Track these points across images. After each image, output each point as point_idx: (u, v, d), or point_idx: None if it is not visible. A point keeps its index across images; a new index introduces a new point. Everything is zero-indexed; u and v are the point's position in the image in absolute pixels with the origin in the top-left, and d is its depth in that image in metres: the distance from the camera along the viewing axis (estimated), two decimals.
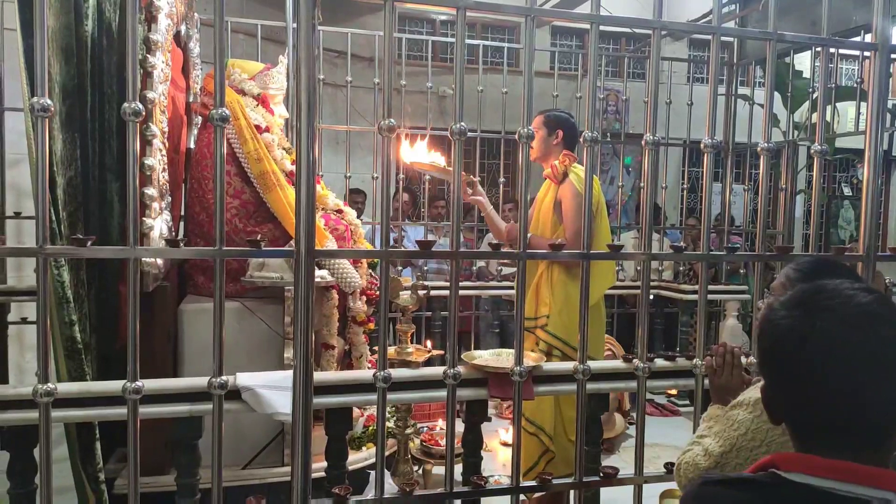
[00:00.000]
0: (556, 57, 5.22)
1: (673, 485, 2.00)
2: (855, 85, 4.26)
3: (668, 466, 2.02)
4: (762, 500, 0.88)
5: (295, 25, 1.58)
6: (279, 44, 4.17)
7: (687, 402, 4.80)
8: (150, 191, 2.21)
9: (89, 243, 1.57)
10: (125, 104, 1.51)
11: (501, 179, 4.71)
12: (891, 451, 0.92)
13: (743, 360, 1.74)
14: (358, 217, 3.08)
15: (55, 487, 1.60)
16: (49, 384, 1.56)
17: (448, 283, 1.79)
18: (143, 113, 1.55)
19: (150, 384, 1.72)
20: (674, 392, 4.97)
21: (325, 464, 2.04)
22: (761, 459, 0.95)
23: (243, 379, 1.90)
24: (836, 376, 0.87)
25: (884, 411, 0.88)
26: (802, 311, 0.91)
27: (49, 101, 1.48)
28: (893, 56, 2.08)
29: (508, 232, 3.13)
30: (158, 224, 2.28)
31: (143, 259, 2.13)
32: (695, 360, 2.01)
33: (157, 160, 2.25)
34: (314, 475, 1.63)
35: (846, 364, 0.87)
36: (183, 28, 2.82)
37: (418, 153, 2.74)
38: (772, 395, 0.97)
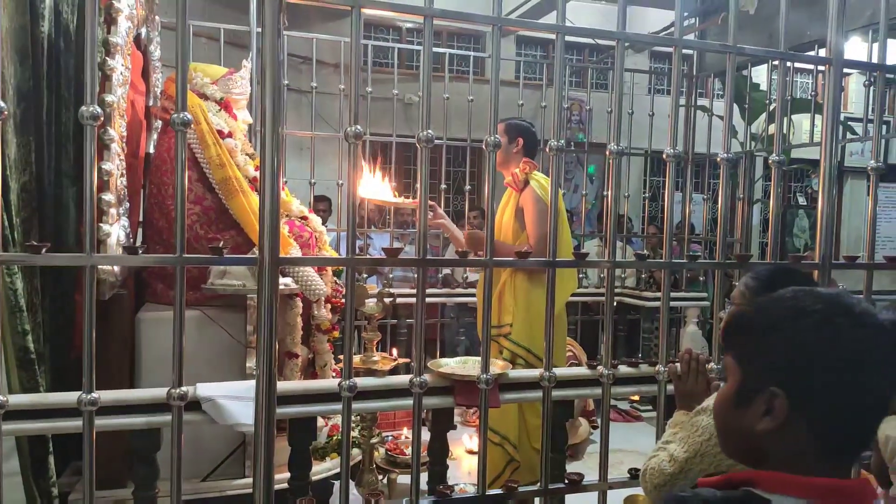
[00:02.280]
0: (521, 66, 5.28)
1: (637, 490, 2.02)
2: (809, 97, 4.39)
3: (632, 472, 2.04)
4: None
5: (259, 30, 1.56)
6: (242, 48, 4.11)
7: (649, 407, 4.86)
8: (108, 196, 2.15)
9: (44, 250, 1.52)
10: (83, 108, 1.47)
11: (467, 187, 4.72)
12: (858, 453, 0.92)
13: (710, 365, 1.77)
14: (322, 224, 3.05)
15: (6, 502, 1.54)
16: (0, 396, 1.50)
17: (414, 291, 1.78)
18: (101, 117, 1.51)
19: (107, 395, 1.68)
20: (636, 398, 5.04)
21: (287, 475, 2.01)
22: (729, 473, 0.91)
23: (204, 389, 1.87)
24: (829, 385, 0.84)
25: (866, 420, 0.87)
26: (847, 320, 0.85)
27: (3, 104, 1.43)
28: (846, 70, 2.15)
29: (468, 238, 3.12)
30: (116, 230, 2.22)
31: (100, 266, 2.08)
32: (657, 367, 2.03)
33: (115, 165, 2.20)
34: (277, 487, 1.61)
35: (838, 371, 0.84)
36: (143, 31, 2.77)
37: (370, 189, 2.69)
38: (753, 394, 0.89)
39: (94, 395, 1.54)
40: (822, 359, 0.85)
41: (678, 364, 1.74)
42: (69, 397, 1.63)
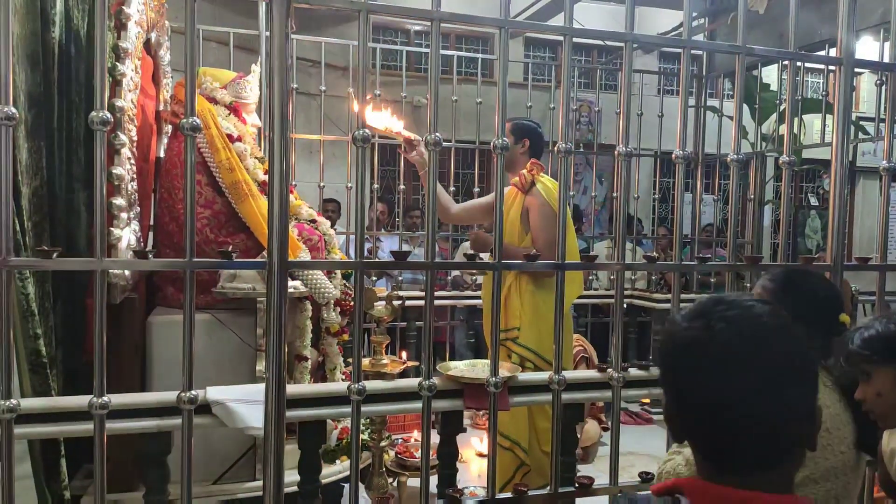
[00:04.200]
0: (529, 68, 5.28)
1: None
2: (820, 98, 4.36)
3: (643, 475, 2.03)
4: None
5: (268, 34, 1.56)
6: (251, 52, 4.13)
7: (660, 410, 4.83)
8: (119, 201, 2.16)
9: (55, 255, 1.53)
10: (93, 113, 1.48)
11: (476, 189, 4.72)
12: (793, 472, 0.90)
13: None
14: (331, 227, 3.06)
15: None
16: (12, 400, 1.51)
17: (423, 293, 1.78)
18: (112, 122, 1.52)
19: (118, 399, 1.68)
20: (647, 400, 5.01)
21: (297, 478, 2.01)
22: (666, 480, 0.93)
23: (214, 393, 1.87)
24: (735, 387, 0.86)
25: (782, 428, 0.87)
26: (702, 321, 0.89)
27: (14, 110, 1.44)
28: (857, 70, 2.14)
29: (474, 239, 3.13)
30: (127, 235, 2.23)
31: (111, 270, 2.09)
32: None
33: (125, 169, 2.21)
34: (287, 490, 1.61)
35: (745, 375, 0.86)
36: (153, 35, 2.78)
37: (378, 118, 2.71)
38: (674, 410, 0.94)
39: (106, 398, 1.55)
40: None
41: None
42: (80, 401, 1.64)
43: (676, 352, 0.92)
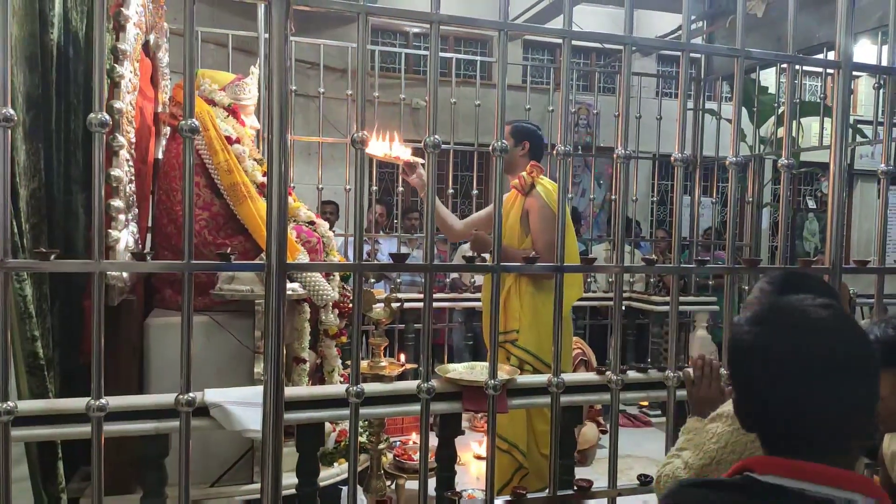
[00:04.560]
0: (528, 70, 5.29)
1: (646, 497, 2.01)
2: (819, 101, 4.36)
3: (642, 478, 2.03)
4: (737, 500, 0.94)
5: (267, 36, 1.56)
6: (250, 54, 4.13)
7: (659, 412, 4.83)
8: (117, 202, 2.16)
9: (53, 257, 1.53)
10: (91, 115, 1.48)
11: (474, 192, 4.72)
12: (856, 453, 0.99)
13: (723, 371, 1.76)
14: (330, 229, 3.05)
15: None
16: (9, 402, 1.50)
17: (422, 296, 1.78)
18: (110, 123, 1.52)
19: (116, 401, 1.68)
20: (645, 403, 5.01)
21: (295, 480, 2.00)
22: (737, 464, 1.01)
23: (212, 395, 1.87)
24: (795, 387, 0.93)
25: (840, 418, 0.94)
26: (763, 327, 0.98)
27: (12, 112, 1.44)
28: (855, 73, 2.14)
29: (473, 240, 3.12)
30: (125, 236, 2.23)
31: (109, 272, 2.08)
32: (667, 372, 2.02)
33: (124, 171, 2.21)
34: (285, 492, 1.60)
35: (803, 375, 0.93)
36: (152, 37, 2.78)
37: (381, 147, 2.73)
38: (742, 406, 1.03)
39: (103, 400, 1.55)
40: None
41: (691, 370, 1.72)
42: (78, 403, 1.64)
43: (741, 355, 1.00)
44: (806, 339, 0.94)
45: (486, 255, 2.84)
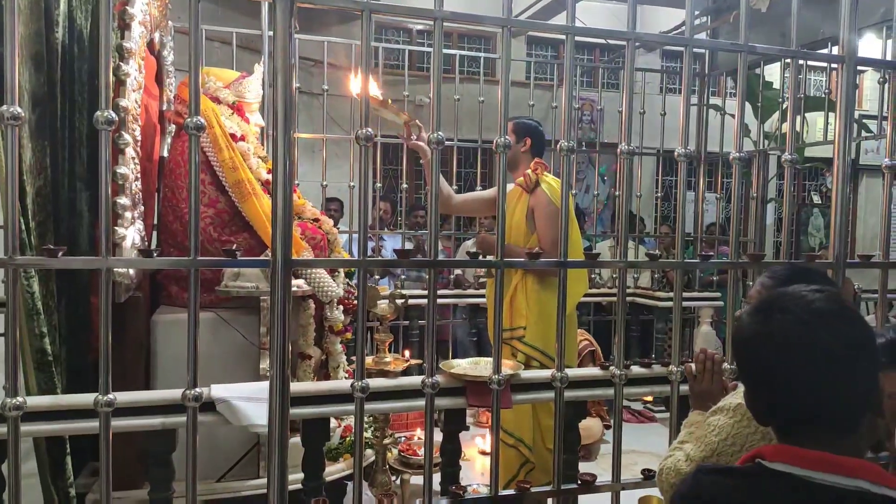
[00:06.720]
0: (531, 67, 5.27)
1: (650, 490, 2.01)
2: (823, 95, 4.35)
3: (646, 472, 2.03)
4: (748, 486, 0.96)
5: (271, 34, 1.57)
6: (254, 52, 4.14)
7: (663, 408, 4.84)
8: (123, 200, 2.17)
9: (60, 254, 1.54)
10: (98, 113, 1.49)
11: (478, 188, 4.72)
12: (863, 439, 1.00)
13: (725, 366, 1.76)
14: (334, 225, 3.07)
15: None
16: (18, 398, 1.52)
17: (426, 292, 1.79)
18: (116, 121, 1.53)
19: (123, 397, 1.69)
20: (650, 398, 5.01)
21: (301, 475, 2.02)
22: (750, 451, 1.03)
23: (218, 391, 1.88)
24: (796, 373, 0.95)
25: (844, 402, 0.96)
26: (762, 316, 1.00)
27: (19, 110, 1.45)
28: (860, 68, 2.13)
29: (480, 242, 3.16)
30: (131, 233, 2.24)
31: (116, 269, 2.10)
32: (670, 367, 2.02)
33: (129, 169, 2.22)
34: (291, 487, 1.61)
35: (803, 360, 0.95)
36: (157, 35, 2.79)
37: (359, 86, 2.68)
38: (751, 397, 1.05)
39: (111, 396, 1.56)
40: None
41: (693, 364, 1.73)
42: (86, 399, 1.65)
43: (743, 345, 1.03)
44: (803, 324, 0.96)
45: (492, 257, 2.85)
